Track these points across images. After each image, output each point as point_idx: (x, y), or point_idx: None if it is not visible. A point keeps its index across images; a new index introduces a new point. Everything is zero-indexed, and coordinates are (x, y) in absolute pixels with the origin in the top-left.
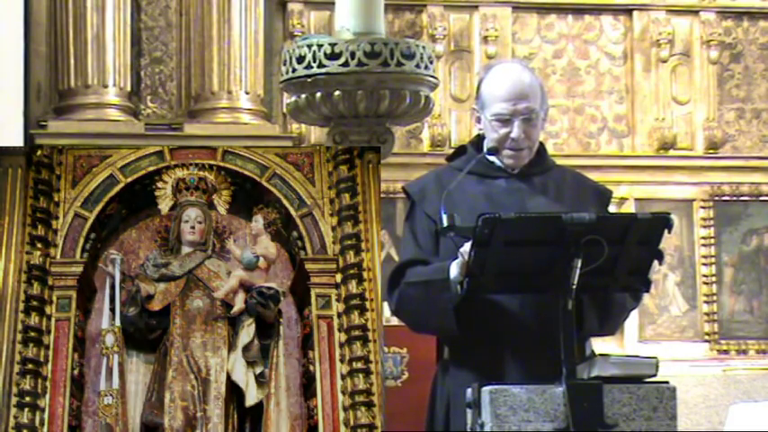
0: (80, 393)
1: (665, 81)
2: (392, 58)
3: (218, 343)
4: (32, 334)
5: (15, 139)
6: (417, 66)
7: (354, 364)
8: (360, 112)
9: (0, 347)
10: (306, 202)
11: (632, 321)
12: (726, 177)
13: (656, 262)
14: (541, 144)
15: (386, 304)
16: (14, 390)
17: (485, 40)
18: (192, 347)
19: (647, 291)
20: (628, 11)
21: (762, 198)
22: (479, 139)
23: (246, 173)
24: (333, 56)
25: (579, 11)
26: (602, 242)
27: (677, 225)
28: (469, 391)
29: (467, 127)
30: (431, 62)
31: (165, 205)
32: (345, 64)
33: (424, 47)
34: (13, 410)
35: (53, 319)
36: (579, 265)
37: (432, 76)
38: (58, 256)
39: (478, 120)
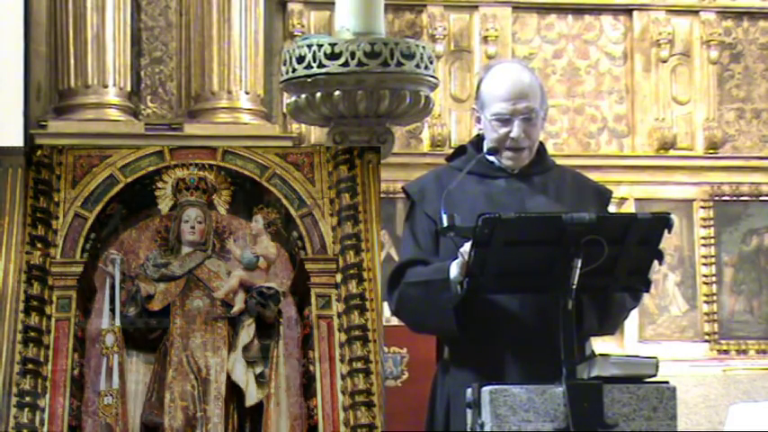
0: (80, 393)
1: (665, 81)
2: (392, 58)
3: (218, 343)
4: (32, 334)
5: (15, 139)
6: (417, 66)
7: (354, 364)
8: (360, 112)
9: (0, 347)
10: (306, 202)
11: (632, 321)
12: (726, 177)
13: (656, 262)
14: (541, 144)
15: (386, 304)
16: (14, 390)
17: (485, 40)
18: (191, 347)
19: (647, 291)
20: (628, 11)
21: (762, 198)
22: (479, 139)
23: (246, 173)
24: (333, 56)
25: (579, 11)
26: (602, 242)
27: (677, 225)
28: (469, 391)
29: (467, 127)
30: (431, 62)
31: (165, 205)
32: (345, 64)
33: (424, 47)
34: (13, 410)
35: (53, 319)
36: (579, 265)
37: (432, 76)
38: (58, 256)
39: (478, 120)
